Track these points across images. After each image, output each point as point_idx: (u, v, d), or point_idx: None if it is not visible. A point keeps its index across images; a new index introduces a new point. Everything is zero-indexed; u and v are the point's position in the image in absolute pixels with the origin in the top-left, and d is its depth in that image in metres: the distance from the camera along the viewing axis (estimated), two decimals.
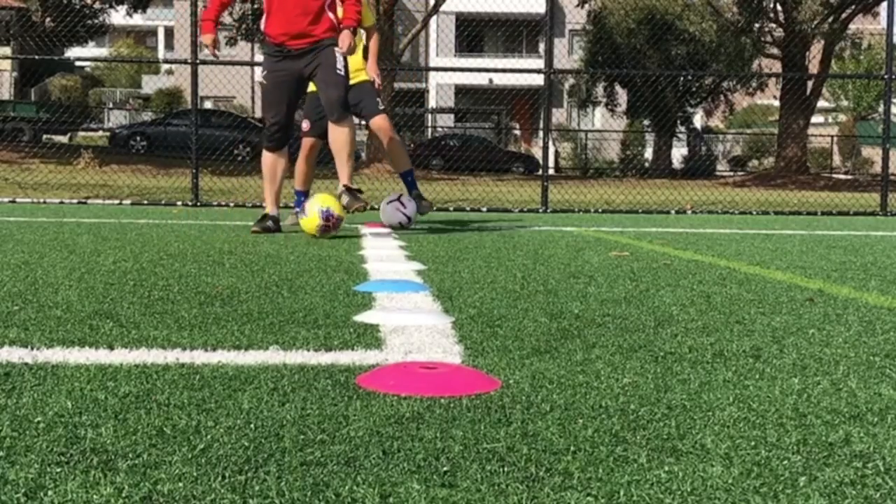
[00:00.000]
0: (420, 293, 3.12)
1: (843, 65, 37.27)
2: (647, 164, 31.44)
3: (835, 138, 37.91)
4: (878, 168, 15.94)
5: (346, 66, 5.81)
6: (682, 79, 29.37)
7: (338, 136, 5.76)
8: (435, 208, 6.63)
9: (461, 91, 43.36)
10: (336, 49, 5.74)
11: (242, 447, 1.40)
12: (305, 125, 6.69)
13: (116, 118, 39.20)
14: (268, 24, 5.85)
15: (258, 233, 5.87)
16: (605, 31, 29.24)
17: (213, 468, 1.30)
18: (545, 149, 11.28)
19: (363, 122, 6.92)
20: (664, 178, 22.09)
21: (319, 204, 5.64)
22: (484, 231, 6.79)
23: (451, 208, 10.81)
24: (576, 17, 35.13)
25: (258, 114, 37.88)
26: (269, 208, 6.12)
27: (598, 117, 41.92)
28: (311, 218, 5.62)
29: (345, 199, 5.71)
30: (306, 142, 6.68)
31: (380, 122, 6.66)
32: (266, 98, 5.99)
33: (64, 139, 29.29)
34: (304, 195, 6.63)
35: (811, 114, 26.49)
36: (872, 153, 33.40)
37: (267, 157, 6.04)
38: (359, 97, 6.56)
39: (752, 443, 1.48)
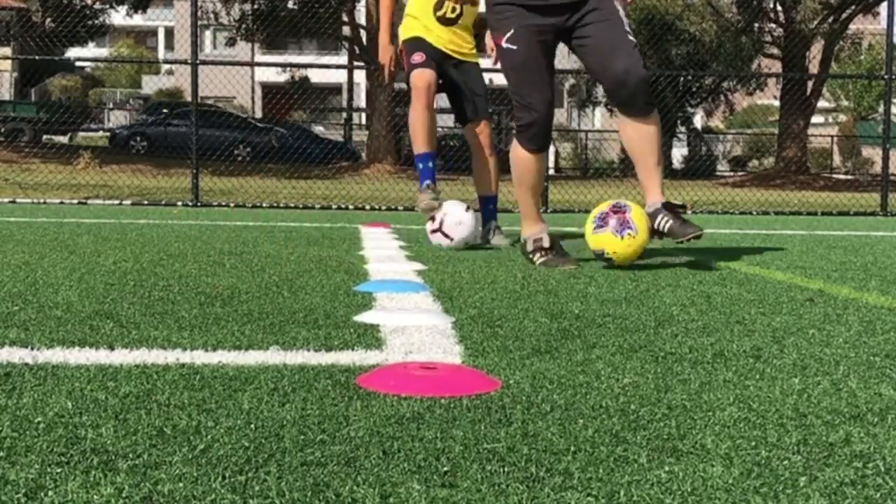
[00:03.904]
0: (420, 293, 3.12)
1: (844, 66, 37.24)
2: None
3: (835, 138, 37.90)
4: (878, 168, 15.95)
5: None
6: (682, 79, 29.35)
7: (643, 135, 3.91)
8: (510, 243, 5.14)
9: None
10: None
11: (242, 447, 1.40)
12: (418, 56, 4.79)
13: (117, 118, 39.20)
14: None
15: (555, 266, 3.87)
16: None
17: (214, 468, 1.30)
18: None
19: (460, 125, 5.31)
20: (664, 178, 21.96)
21: (645, 217, 3.90)
22: None
23: None
24: None
25: (258, 114, 37.81)
26: (536, 227, 4.10)
27: (598, 117, 41.91)
28: (641, 235, 3.83)
29: (665, 221, 3.87)
30: (423, 77, 4.74)
31: (484, 129, 5.18)
32: (517, 70, 3.94)
33: (64, 139, 29.30)
34: (429, 159, 4.88)
35: (811, 114, 26.48)
36: (872, 153, 33.38)
37: (523, 158, 4.07)
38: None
39: (753, 443, 1.48)
